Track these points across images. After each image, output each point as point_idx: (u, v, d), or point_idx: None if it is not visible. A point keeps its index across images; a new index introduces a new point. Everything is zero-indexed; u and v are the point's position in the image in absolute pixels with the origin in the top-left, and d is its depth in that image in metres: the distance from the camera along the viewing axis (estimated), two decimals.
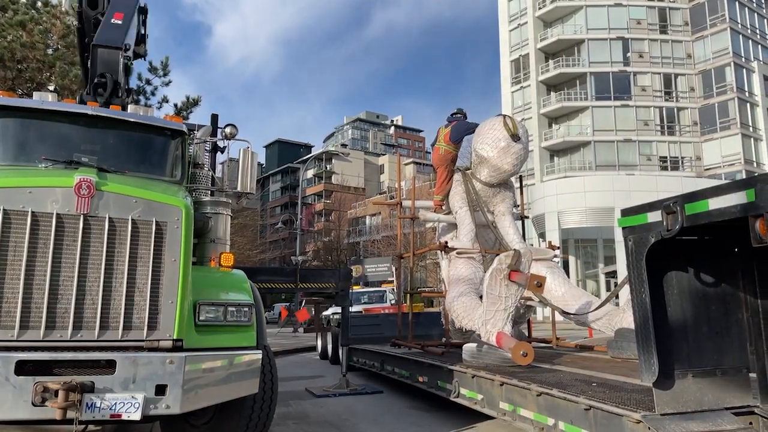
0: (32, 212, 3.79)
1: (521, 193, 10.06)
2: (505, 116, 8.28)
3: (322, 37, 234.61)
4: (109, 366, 3.71)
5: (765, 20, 48.64)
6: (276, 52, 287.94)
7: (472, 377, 5.98)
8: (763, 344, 3.42)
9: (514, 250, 6.97)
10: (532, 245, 11.63)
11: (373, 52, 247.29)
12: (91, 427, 4.01)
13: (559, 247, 9.09)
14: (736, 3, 45.31)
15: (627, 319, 6.62)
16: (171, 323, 3.96)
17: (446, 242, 8.42)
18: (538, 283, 6.22)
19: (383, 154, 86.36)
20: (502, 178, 8.40)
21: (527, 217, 10.52)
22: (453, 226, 8.94)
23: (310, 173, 76.51)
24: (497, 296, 6.29)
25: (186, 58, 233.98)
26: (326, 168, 77.03)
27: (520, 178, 10.37)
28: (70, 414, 3.49)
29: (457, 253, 8.15)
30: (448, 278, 8.25)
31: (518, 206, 9.85)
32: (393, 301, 20.42)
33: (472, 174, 8.81)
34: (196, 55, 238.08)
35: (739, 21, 45.07)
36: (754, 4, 47.62)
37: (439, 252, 8.79)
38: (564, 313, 7.35)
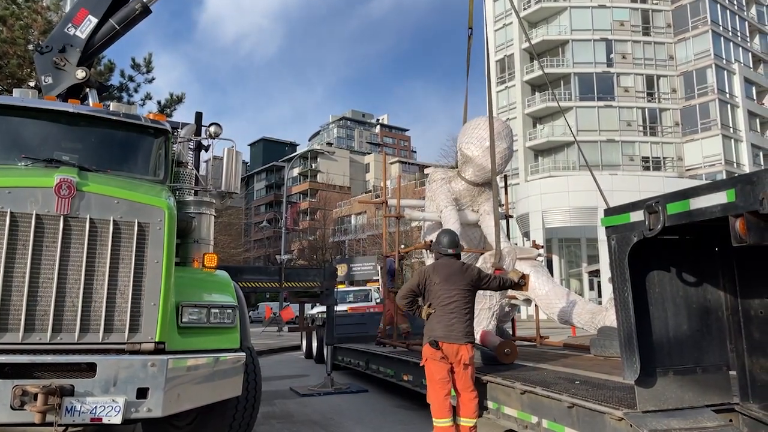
0: (11, 213, 3.72)
1: (506, 192, 10.12)
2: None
3: (321, 14, 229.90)
4: (90, 369, 3.66)
5: (746, 23, 49.41)
6: (271, 29, 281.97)
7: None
8: (743, 342, 3.47)
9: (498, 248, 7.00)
10: (516, 244, 11.71)
11: (355, 43, 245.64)
12: (72, 427, 3.96)
13: (543, 246, 9.14)
14: (718, 5, 45.97)
15: (610, 317, 6.67)
16: (153, 325, 3.91)
17: (431, 241, 8.44)
18: (523, 282, 6.26)
19: (369, 153, 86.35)
20: (487, 177, 8.42)
21: (511, 216, 10.57)
22: (439, 225, 8.96)
23: (295, 172, 76.22)
24: (482, 295, 6.31)
25: (176, 34, 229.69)
26: (311, 167, 76.82)
27: (505, 177, 10.42)
28: (50, 417, 3.44)
29: None
30: None
31: (503, 205, 9.90)
32: (378, 300, 20.43)
33: (458, 173, 8.83)
34: (186, 32, 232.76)
35: (720, 23, 45.74)
36: (736, 7, 48.35)
37: (424, 251, 8.80)
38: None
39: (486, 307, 6.35)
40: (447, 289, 4.96)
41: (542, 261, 8.50)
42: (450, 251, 5.25)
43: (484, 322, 6.26)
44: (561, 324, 8.03)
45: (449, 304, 4.92)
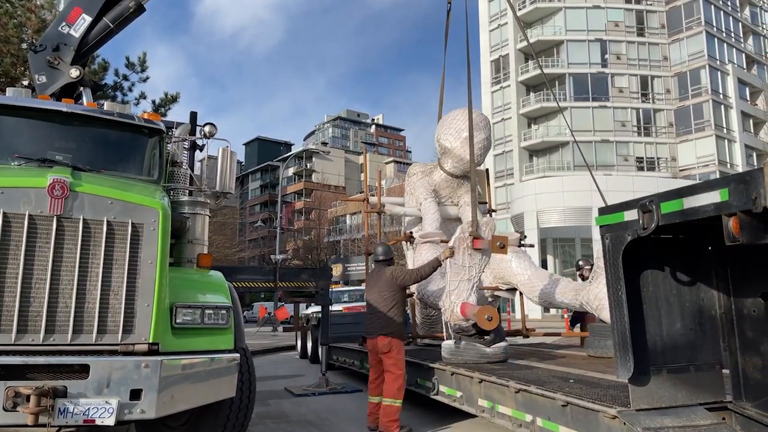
0: (4, 213, 3.69)
1: (487, 185, 9.94)
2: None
3: (322, 7, 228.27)
4: (83, 370, 3.63)
5: (740, 24, 49.67)
6: (271, 22, 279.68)
7: (451, 375, 6.01)
8: (736, 341, 3.49)
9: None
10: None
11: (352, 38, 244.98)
12: (65, 429, 3.94)
13: (526, 236, 8.98)
14: (712, 6, 46.19)
15: (593, 291, 6.51)
16: (147, 326, 3.89)
17: (411, 232, 8.40)
18: (501, 245, 6.19)
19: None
20: (466, 168, 8.32)
21: (494, 211, 10.49)
22: (419, 219, 8.90)
23: (290, 171, 76.14)
24: (461, 266, 6.28)
25: (174, 27, 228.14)
26: (306, 166, 76.75)
27: (486, 171, 10.33)
28: (42, 419, 3.42)
29: (421, 236, 8.07)
30: (413, 266, 8.17)
31: (485, 203, 9.67)
32: None
33: (438, 165, 8.78)
34: (184, 25, 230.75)
35: (714, 24, 45.96)
36: (729, 8, 48.60)
37: (404, 243, 8.75)
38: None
39: (465, 278, 6.26)
40: (369, 295, 6.03)
41: (524, 249, 8.41)
42: (380, 258, 6.18)
43: (464, 294, 6.19)
44: (542, 305, 7.89)
45: (369, 306, 5.98)
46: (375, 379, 5.93)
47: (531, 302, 7.94)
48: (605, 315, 6.19)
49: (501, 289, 7.96)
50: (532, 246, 8.94)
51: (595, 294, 6.43)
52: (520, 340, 9.47)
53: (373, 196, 9.86)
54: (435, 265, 6.12)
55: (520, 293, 8.05)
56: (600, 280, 6.20)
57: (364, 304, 6.23)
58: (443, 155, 8.55)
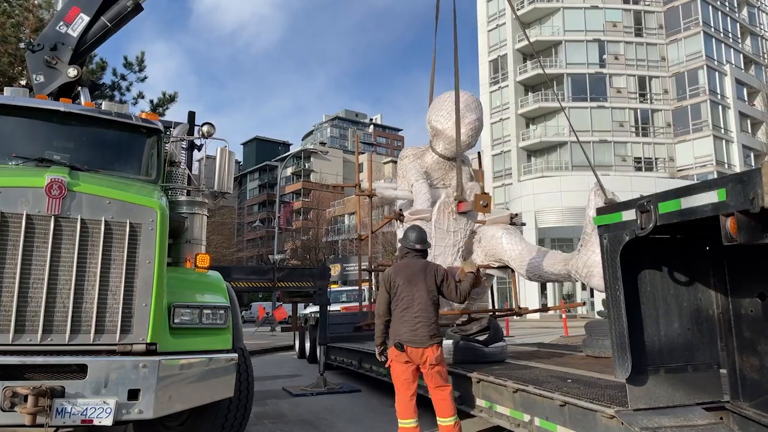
0: (1, 213, 3.69)
1: (479, 166, 9.86)
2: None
3: (323, 3, 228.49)
4: (81, 370, 3.63)
5: (737, 24, 49.76)
6: (272, 18, 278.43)
7: (449, 374, 6.00)
8: (734, 341, 3.49)
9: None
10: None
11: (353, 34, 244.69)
12: (62, 429, 3.93)
13: (517, 215, 8.90)
14: (710, 7, 46.27)
15: (581, 259, 6.37)
16: (145, 326, 3.89)
17: (401, 209, 8.34)
18: (484, 203, 6.13)
19: (362, 153, 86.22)
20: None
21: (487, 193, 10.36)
22: (411, 204, 8.84)
23: (288, 171, 76.08)
24: (446, 231, 6.19)
25: (173, 23, 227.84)
26: (305, 166, 76.71)
27: (479, 154, 10.27)
28: (40, 419, 3.42)
29: (411, 213, 8.03)
30: None
31: (481, 184, 9.54)
32: (374, 299, 20.33)
33: (429, 147, 8.74)
34: (183, 21, 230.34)
35: (712, 25, 46.04)
36: (727, 8, 48.69)
37: (395, 222, 8.69)
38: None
39: (450, 243, 6.13)
40: (409, 291, 4.78)
41: (516, 227, 8.33)
42: (417, 246, 5.02)
43: (449, 258, 6.09)
44: (533, 279, 7.72)
45: (412, 307, 4.74)
46: (412, 396, 4.73)
47: (524, 280, 7.78)
48: (594, 282, 6.02)
49: (492, 267, 7.88)
50: (524, 224, 8.79)
51: (583, 261, 6.22)
52: (518, 339, 9.49)
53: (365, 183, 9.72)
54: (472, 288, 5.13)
55: (512, 271, 7.96)
56: (588, 247, 6.08)
57: (410, 301, 4.78)
58: (435, 137, 8.49)
